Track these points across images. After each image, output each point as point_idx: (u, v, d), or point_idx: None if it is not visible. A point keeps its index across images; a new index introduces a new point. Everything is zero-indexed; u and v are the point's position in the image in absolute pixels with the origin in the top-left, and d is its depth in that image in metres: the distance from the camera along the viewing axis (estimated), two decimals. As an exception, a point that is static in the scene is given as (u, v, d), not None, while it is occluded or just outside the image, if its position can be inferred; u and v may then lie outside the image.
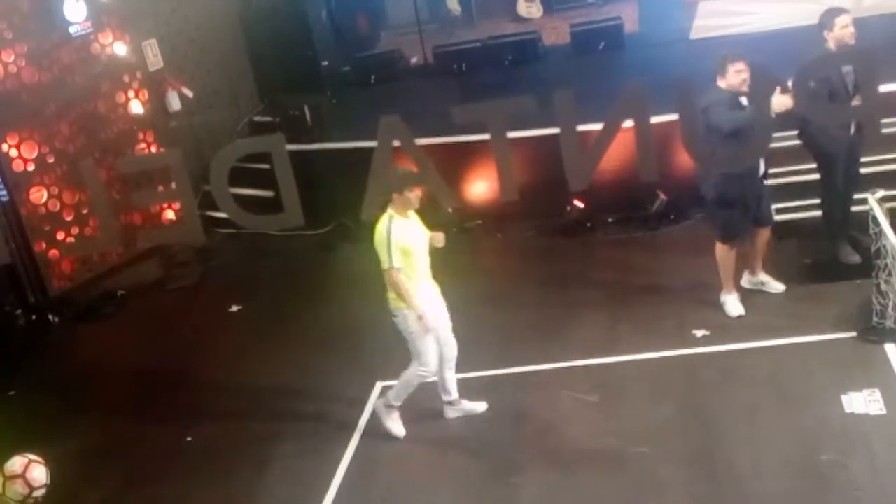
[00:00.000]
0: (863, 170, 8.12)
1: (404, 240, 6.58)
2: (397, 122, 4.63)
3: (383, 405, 7.15)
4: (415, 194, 6.52)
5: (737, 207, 7.60)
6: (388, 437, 7.23)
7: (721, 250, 7.86)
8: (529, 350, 7.74)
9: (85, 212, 10.15)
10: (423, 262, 6.72)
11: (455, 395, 7.18)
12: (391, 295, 6.76)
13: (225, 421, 7.84)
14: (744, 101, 7.23)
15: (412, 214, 6.69)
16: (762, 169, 7.55)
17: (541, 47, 13.12)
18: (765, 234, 8.02)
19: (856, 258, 8.03)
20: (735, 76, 7.27)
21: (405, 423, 7.22)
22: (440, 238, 6.78)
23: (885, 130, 7.70)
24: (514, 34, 13.48)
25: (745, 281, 8.18)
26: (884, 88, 6.76)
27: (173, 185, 5.26)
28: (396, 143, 4.82)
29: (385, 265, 6.61)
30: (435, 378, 7.03)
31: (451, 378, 7.12)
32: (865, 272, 7.19)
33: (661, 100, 4.24)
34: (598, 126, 4.41)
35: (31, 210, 10.22)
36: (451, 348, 6.99)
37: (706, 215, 8.10)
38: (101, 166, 9.21)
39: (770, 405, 6.79)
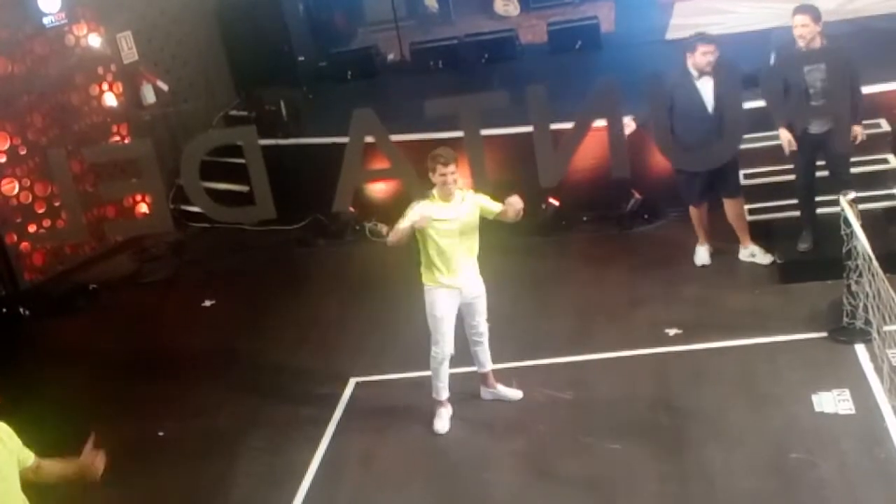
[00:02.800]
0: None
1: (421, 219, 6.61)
2: (370, 115, 4.63)
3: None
4: (438, 175, 6.45)
5: (688, 176, 8.17)
6: (361, 433, 7.24)
7: (690, 210, 8.54)
8: (503, 347, 7.73)
9: (57, 204, 10.05)
10: (455, 245, 6.70)
11: (486, 368, 7.21)
12: (422, 271, 6.82)
13: (197, 416, 7.81)
14: (701, 85, 7.76)
15: (459, 197, 6.62)
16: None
17: (518, 45, 13.14)
18: (734, 206, 8.33)
19: (805, 246, 8.26)
20: (702, 57, 7.79)
21: (387, 421, 7.27)
22: (515, 204, 6.61)
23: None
24: (491, 32, 13.48)
25: (740, 254, 8.54)
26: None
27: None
28: (369, 138, 4.82)
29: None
30: (442, 361, 6.99)
31: (480, 353, 7.15)
32: (836, 273, 7.25)
33: (635, 99, 4.25)
34: (572, 124, 4.42)
35: (3, 202, 10.14)
36: (475, 327, 7.01)
37: None
38: (74, 158, 9.19)
39: (740, 404, 6.84)
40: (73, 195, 4.75)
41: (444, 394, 7.08)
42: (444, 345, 6.89)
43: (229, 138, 5.06)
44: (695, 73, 7.82)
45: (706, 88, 7.82)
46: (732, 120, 7.11)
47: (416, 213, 6.61)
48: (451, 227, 6.66)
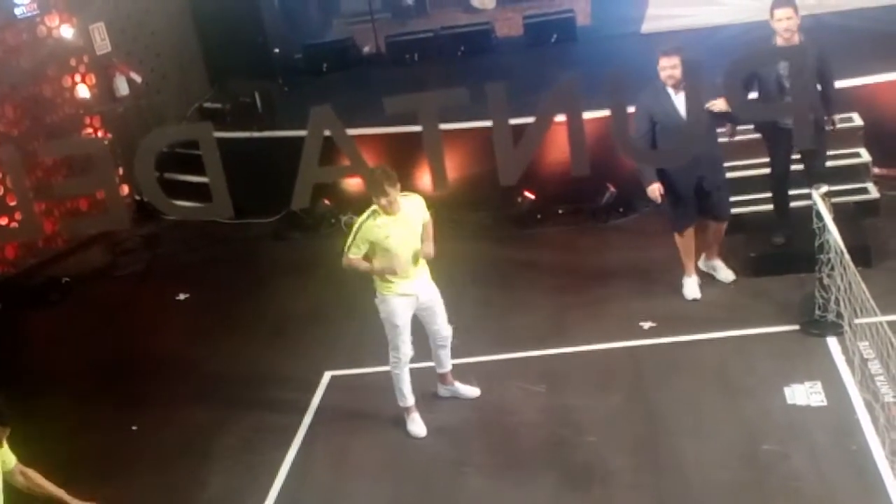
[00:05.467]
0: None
1: (374, 237, 6.55)
2: (328, 112, 4.62)
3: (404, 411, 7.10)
4: (386, 201, 6.41)
5: (680, 201, 7.78)
6: (336, 427, 7.23)
7: (676, 238, 8.05)
8: (478, 340, 7.76)
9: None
10: (406, 252, 6.62)
11: (447, 368, 7.19)
12: (375, 279, 6.75)
13: (171, 410, 7.77)
14: (676, 97, 7.42)
15: (403, 211, 6.55)
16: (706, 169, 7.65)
17: (493, 39, 13.16)
18: (718, 227, 8.15)
19: (779, 239, 8.24)
20: (661, 72, 7.45)
21: (362, 415, 7.26)
22: (428, 251, 6.74)
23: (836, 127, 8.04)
24: (466, 25, 13.51)
25: (701, 263, 8.32)
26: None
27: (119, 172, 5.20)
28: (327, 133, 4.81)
29: (345, 249, 6.69)
30: (400, 370, 6.93)
31: (442, 355, 7.12)
32: (809, 266, 7.30)
33: (607, 94, 4.26)
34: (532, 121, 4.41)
35: (-27, 195, 10.04)
36: (438, 332, 6.97)
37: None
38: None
39: (714, 396, 6.88)
40: (26, 193, 4.70)
41: (411, 398, 7.00)
42: (404, 349, 6.85)
43: (185, 134, 5.03)
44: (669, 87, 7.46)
45: (679, 100, 7.40)
46: (690, 130, 6.98)
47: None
48: (401, 238, 6.58)
